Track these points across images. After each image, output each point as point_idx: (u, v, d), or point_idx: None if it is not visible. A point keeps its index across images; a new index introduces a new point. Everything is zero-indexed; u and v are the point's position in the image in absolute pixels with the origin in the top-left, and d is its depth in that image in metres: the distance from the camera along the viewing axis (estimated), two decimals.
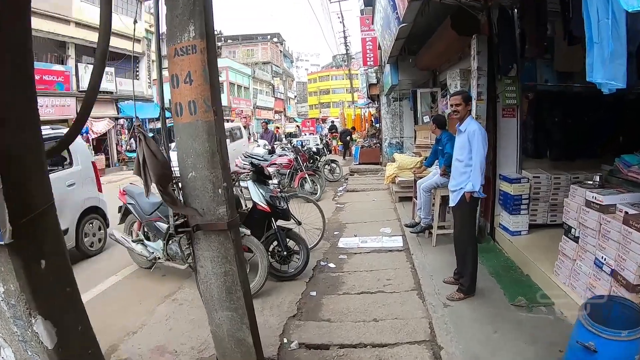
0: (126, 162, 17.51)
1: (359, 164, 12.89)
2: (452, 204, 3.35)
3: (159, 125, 20.53)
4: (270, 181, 4.44)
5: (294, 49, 63.51)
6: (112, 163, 17.37)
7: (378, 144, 13.62)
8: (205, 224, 2.08)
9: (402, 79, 8.05)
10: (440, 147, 4.54)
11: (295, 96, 57.99)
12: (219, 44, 36.80)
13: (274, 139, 11.37)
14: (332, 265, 4.42)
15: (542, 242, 3.87)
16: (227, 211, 2.07)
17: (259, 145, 10.52)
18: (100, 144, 16.94)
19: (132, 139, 18.27)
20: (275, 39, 46.68)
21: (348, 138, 16.86)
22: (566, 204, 3.12)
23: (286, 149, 8.70)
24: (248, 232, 3.55)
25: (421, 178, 4.90)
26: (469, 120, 3.20)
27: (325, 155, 10.38)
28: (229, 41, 43.79)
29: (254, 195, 3.91)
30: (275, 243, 3.99)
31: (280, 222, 4.05)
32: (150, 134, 19.60)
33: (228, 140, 10.48)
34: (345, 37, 26.49)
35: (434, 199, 4.62)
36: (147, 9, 19.56)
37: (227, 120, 22.83)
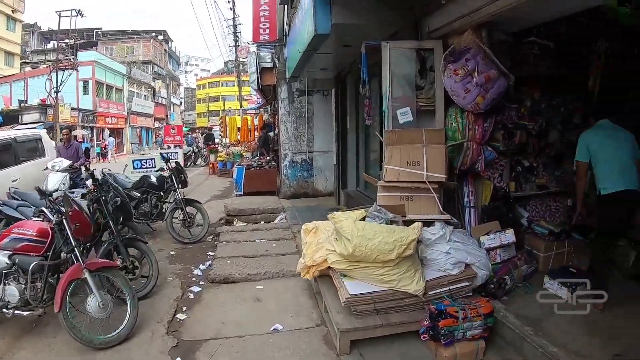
0: None
1: (244, 194, 7.89)
2: None
3: None
4: None
5: (183, 52, 55.83)
6: None
7: (274, 163, 8.85)
8: None
9: (338, 23, 3.36)
10: None
11: (181, 102, 50.34)
12: (95, 38, 28.56)
13: (80, 157, 5.81)
14: None
15: None
16: None
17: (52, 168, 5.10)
18: None
19: None
20: (160, 37, 39.37)
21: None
22: None
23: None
24: None
25: None
26: None
27: (177, 191, 5.14)
28: (108, 36, 35.46)
29: None
30: None
31: None
32: None
33: None
34: (235, 26, 21.26)
35: None
36: None
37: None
